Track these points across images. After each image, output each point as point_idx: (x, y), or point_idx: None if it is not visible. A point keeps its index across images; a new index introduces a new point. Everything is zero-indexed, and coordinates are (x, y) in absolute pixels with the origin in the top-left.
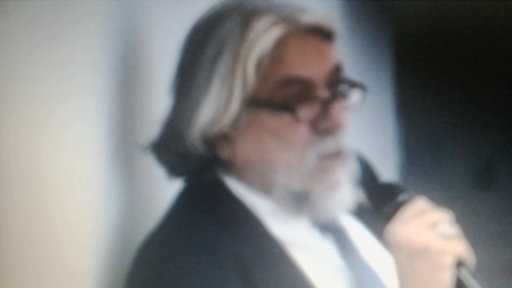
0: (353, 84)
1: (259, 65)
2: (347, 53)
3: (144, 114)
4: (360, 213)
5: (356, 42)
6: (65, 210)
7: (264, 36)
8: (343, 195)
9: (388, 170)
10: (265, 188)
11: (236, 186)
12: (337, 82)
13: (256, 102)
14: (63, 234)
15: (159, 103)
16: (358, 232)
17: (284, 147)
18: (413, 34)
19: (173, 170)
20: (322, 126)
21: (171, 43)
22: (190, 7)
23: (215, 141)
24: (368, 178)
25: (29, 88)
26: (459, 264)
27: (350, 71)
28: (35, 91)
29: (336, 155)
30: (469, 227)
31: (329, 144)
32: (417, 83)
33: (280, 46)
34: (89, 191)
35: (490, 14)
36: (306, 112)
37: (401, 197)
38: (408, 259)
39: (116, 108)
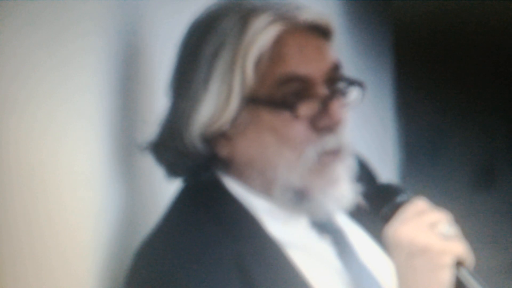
0: (352, 82)
1: (258, 63)
2: (347, 53)
3: (144, 114)
4: (359, 214)
5: (356, 42)
6: (65, 210)
7: (262, 34)
8: (342, 191)
9: (388, 170)
10: (265, 187)
11: (234, 186)
12: (336, 80)
13: (255, 100)
14: (63, 234)
15: (159, 103)
16: (356, 234)
17: (283, 145)
18: (413, 34)
19: (172, 169)
20: (322, 124)
21: (171, 43)
22: (190, 7)
23: (214, 139)
24: (366, 179)
25: (29, 88)
26: (459, 264)
27: (350, 71)
28: (35, 91)
29: (336, 152)
30: (469, 227)
31: (328, 141)
32: (417, 83)
33: (278, 44)
34: (89, 191)
35: (490, 14)
36: (306, 110)
37: (400, 198)
38: (407, 258)
39: (116, 108)
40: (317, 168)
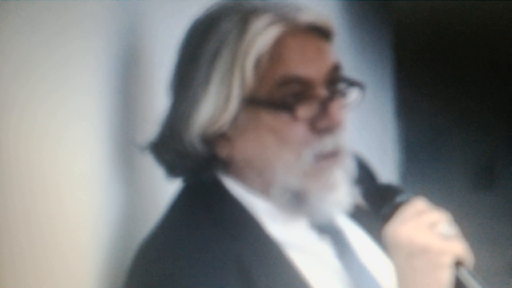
0: (352, 83)
1: (257, 64)
2: (347, 53)
3: (144, 114)
4: (358, 215)
5: (356, 42)
6: (65, 210)
7: (262, 35)
8: (340, 196)
9: (388, 170)
10: (263, 188)
11: (234, 186)
12: (335, 81)
13: (255, 101)
14: (63, 234)
15: (159, 103)
16: (355, 234)
17: (282, 146)
18: (413, 34)
19: (172, 170)
20: (321, 125)
21: (171, 43)
22: (190, 7)
23: (214, 140)
24: (366, 179)
25: (29, 88)
26: (458, 264)
27: (350, 71)
28: (35, 91)
29: (334, 154)
30: (469, 227)
31: (327, 143)
32: (417, 83)
33: (278, 45)
34: (89, 191)
35: (490, 14)
36: (305, 111)
37: (399, 198)
38: (407, 258)
39: (116, 108)
40: (314, 172)
